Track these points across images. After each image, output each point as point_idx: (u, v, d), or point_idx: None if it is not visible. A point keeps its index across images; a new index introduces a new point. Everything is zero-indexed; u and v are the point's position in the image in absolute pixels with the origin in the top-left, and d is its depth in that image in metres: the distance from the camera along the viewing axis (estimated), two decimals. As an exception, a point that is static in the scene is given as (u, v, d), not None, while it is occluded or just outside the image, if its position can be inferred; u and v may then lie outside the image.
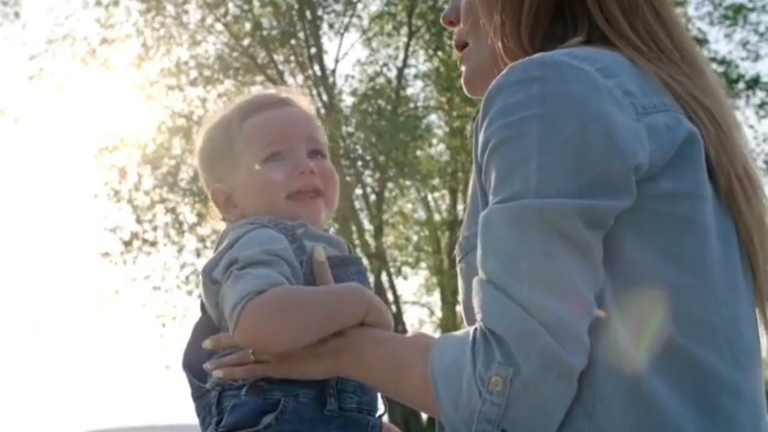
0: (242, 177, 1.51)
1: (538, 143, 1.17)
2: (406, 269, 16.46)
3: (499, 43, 1.35)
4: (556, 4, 1.34)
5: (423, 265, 16.72)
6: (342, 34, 15.49)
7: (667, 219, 1.22)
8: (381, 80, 15.73)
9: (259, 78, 15.45)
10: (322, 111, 14.17)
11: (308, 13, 15.17)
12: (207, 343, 1.40)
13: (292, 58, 15.16)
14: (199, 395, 1.47)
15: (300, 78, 14.94)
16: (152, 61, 15.26)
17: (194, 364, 1.46)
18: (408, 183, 15.59)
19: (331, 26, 15.42)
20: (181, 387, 1.54)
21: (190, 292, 15.36)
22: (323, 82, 15.05)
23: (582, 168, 1.17)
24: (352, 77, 15.72)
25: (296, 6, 15.13)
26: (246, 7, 15.13)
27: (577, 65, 1.21)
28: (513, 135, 1.18)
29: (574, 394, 1.16)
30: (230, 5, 15.27)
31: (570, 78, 1.19)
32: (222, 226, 1.57)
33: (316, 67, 15.20)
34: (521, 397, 1.13)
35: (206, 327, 1.47)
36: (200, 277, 1.45)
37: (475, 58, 1.43)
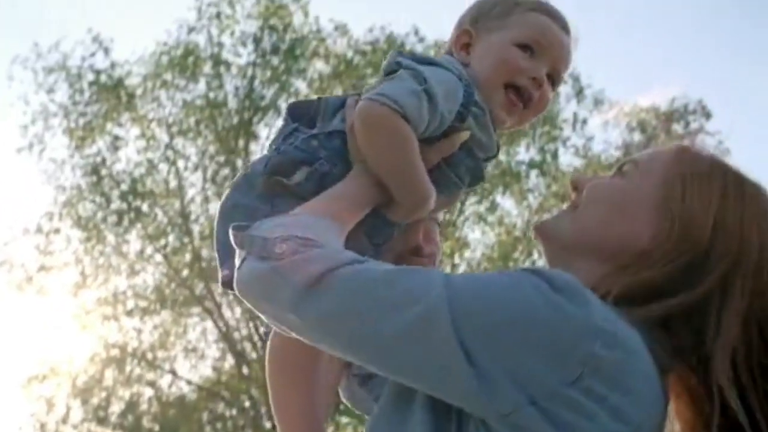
0: (494, 40, 1.69)
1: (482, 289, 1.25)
2: None
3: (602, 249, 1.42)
4: (687, 311, 1.33)
5: None
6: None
7: None
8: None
9: (197, 309, 15.45)
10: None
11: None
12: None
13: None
14: (284, 136, 1.64)
15: (238, 310, 14.95)
16: (89, 290, 15.22)
17: (297, 110, 1.67)
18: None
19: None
20: None
21: None
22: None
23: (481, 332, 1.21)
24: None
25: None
26: (186, 239, 15.30)
27: (591, 311, 1.22)
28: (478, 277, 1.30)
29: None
30: (170, 237, 15.47)
31: (571, 301, 1.21)
32: None
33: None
34: (255, 265, 1.32)
35: None
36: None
37: (567, 225, 1.50)
